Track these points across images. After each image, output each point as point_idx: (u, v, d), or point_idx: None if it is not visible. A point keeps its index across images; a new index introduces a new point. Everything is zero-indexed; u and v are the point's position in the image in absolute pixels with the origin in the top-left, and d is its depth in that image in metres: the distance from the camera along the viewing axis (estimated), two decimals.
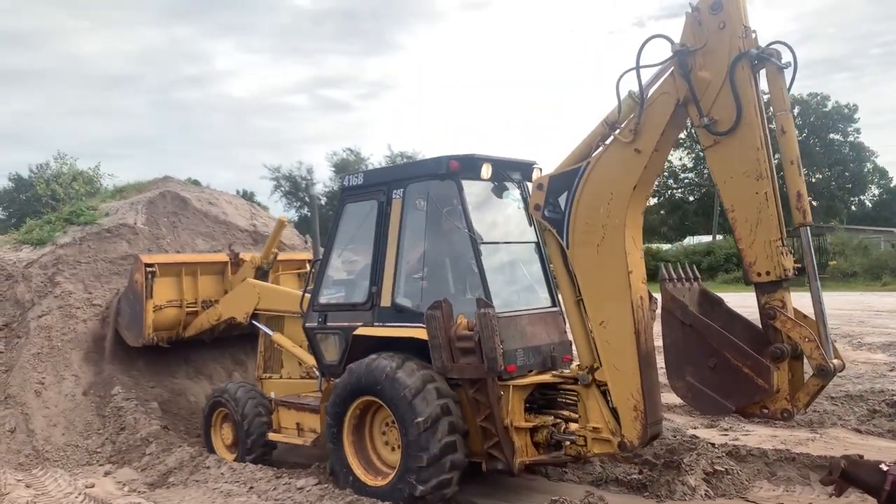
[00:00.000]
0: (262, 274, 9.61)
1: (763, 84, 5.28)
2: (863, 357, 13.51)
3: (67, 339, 10.10)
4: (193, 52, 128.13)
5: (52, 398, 9.47)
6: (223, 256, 10.25)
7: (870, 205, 68.19)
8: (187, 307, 9.81)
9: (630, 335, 5.63)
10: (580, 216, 5.81)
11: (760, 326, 5.36)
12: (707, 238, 53.12)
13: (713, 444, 7.53)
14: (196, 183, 18.80)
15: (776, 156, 5.33)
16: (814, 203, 65.07)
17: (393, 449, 6.67)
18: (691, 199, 65.25)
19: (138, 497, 7.26)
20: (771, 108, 5.25)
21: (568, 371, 6.47)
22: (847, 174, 63.59)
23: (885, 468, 5.08)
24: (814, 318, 5.21)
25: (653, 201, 62.38)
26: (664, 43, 5.37)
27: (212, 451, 8.53)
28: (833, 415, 9.23)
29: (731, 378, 5.18)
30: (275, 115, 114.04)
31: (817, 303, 5.22)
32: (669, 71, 5.43)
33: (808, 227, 5.18)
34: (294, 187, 61.46)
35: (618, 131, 5.65)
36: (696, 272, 5.95)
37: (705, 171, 68.38)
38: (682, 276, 5.78)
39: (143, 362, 10.24)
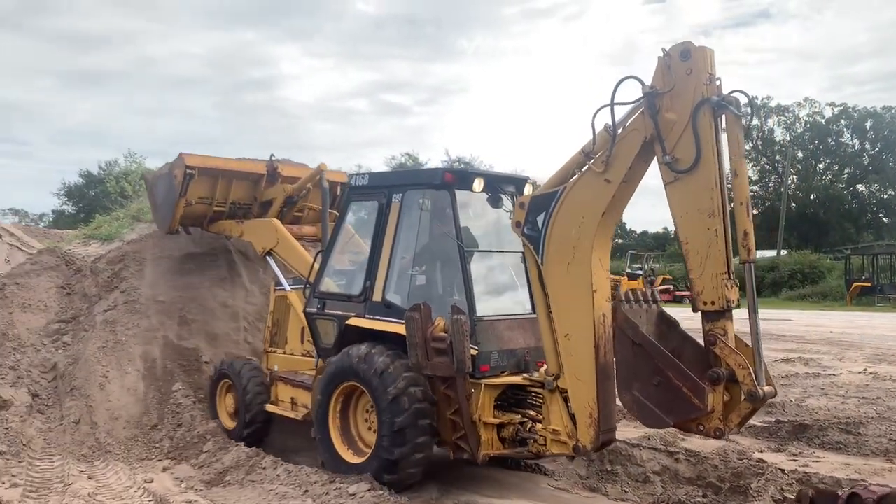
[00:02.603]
0: (290, 202, 10.52)
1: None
2: None
3: (132, 333, 10.32)
4: (259, 57, 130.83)
5: (114, 392, 9.66)
6: (262, 168, 10.68)
7: None
8: (216, 206, 10.51)
9: (590, 349, 6.08)
10: (554, 236, 6.27)
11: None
12: (770, 253, 51.44)
13: (782, 470, 7.34)
14: None
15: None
16: (885, 220, 63.00)
17: (374, 431, 7.24)
18: (755, 212, 63.42)
19: (195, 495, 7.44)
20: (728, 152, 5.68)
21: (537, 375, 6.99)
22: None
23: (840, 494, 5.27)
24: (751, 347, 5.67)
25: None
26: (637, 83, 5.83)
27: (216, 416, 9.36)
28: None
29: (672, 396, 5.65)
30: (337, 119, 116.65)
31: (755, 334, 5.65)
32: (640, 110, 5.88)
33: (752, 265, 5.67)
34: None
35: (592, 161, 6.12)
36: (657, 296, 6.40)
37: (770, 185, 66.85)
38: (641, 298, 6.25)
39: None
